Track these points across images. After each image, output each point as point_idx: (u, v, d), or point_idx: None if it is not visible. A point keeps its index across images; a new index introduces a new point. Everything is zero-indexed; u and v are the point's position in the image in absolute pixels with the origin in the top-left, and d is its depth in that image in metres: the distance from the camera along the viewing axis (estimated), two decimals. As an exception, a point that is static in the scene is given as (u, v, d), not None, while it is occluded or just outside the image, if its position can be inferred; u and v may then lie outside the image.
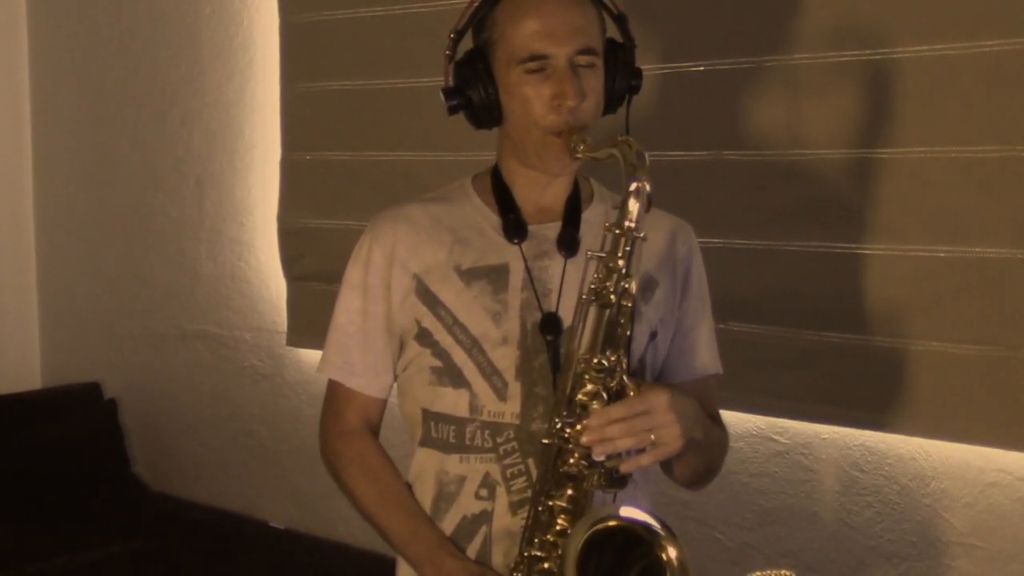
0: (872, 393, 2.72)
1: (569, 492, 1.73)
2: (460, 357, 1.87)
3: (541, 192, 1.91)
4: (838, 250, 2.72)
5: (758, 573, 1.64)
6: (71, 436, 4.34)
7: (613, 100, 1.89)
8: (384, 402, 2.01)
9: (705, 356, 2.01)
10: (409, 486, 1.97)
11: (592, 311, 1.73)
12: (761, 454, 2.95)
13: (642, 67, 1.91)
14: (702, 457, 1.89)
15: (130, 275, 4.44)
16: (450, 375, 1.88)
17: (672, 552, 1.63)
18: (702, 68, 2.88)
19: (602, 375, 1.71)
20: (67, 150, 4.60)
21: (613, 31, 1.89)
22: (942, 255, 2.59)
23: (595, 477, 1.71)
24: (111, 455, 4.40)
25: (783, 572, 1.64)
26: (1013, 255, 2.50)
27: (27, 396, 4.50)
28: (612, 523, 1.64)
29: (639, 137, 1.75)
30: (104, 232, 4.51)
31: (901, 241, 2.64)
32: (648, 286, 1.93)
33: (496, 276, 1.88)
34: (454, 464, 1.89)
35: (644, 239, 1.72)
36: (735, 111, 2.85)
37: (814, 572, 2.86)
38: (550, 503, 1.74)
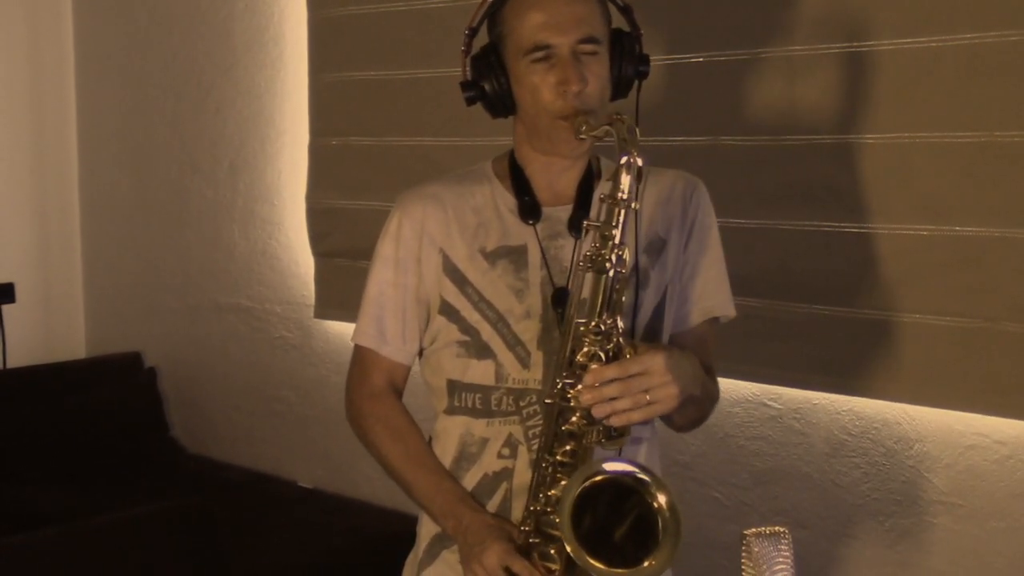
0: (860, 362, 2.73)
1: (570, 448, 1.73)
2: (487, 331, 1.88)
3: (555, 177, 1.90)
4: (827, 229, 2.72)
5: (754, 530, 1.63)
6: (113, 402, 4.36)
7: (621, 85, 1.88)
8: (408, 368, 2.00)
9: (706, 302, 1.99)
10: (429, 439, 1.98)
11: (589, 277, 1.72)
12: (756, 419, 2.97)
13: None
14: (696, 407, 1.88)
15: (169, 252, 4.45)
16: (477, 348, 1.89)
17: (662, 498, 1.62)
18: (701, 59, 2.89)
19: (599, 338, 1.70)
20: (110, 136, 4.61)
21: (621, 22, 1.89)
22: (925, 233, 2.59)
23: (594, 433, 1.71)
24: (151, 420, 4.42)
25: (777, 528, 1.63)
26: (991, 233, 2.51)
27: (73, 365, 4.52)
28: (600, 478, 1.63)
29: (645, 123, 1.75)
30: (144, 212, 4.53)
31: (886, 220, 2.65)
32: (655, 247, 1.92)
33: (517, 256, 1.88)
34: (480, 428, 1.89)
35: (636, 209, 1.71)
36: (732, 99, 2.85)
37: (805, 529, 2.87)
38: (553, 459, 1.74)
